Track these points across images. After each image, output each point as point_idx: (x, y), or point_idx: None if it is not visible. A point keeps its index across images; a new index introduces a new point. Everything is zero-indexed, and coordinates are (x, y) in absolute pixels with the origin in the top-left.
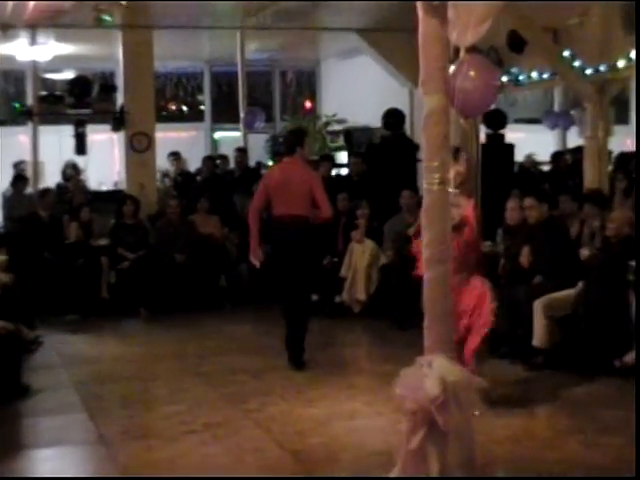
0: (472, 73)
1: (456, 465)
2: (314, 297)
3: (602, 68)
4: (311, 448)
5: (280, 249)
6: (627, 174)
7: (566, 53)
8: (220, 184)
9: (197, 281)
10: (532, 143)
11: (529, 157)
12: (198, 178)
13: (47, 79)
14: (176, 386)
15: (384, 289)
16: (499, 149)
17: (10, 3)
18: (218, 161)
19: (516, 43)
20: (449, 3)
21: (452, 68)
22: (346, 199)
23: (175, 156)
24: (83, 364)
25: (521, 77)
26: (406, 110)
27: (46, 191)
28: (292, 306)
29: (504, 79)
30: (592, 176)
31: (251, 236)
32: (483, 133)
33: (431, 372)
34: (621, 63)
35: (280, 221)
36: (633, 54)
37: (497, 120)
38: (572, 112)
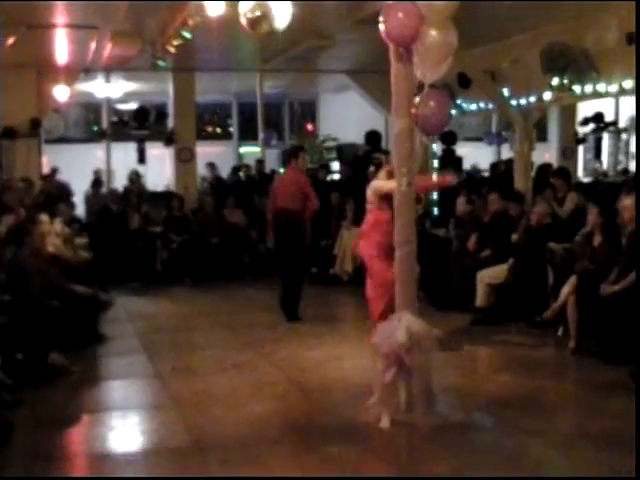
0: (432, 103)
1: (419, 394)
2: (313, 269)
3: (526, 100)
4: (311, 381)
5: (278, 233)
6: (545, 180)
7: (503, 89)
8: (244, 186)
9: (226, 258)
10: (475, 156)
11: (473, 167)
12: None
13: (117, 109)
14: (211, 335)
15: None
16: (452, 160)
17: (91, 51)
18: (241, 172)
19: (463, 81)
20: (414, 49)
21: (417, 99)
22: (337, 197)
23: (211, 165)
24: (143, 319)
25: (467, 106)
26: (382, 130)
27: (114, 191)
28: (286, 275)
29: (454, 109)
30: (520, 180)
31: (267, 224)
32: (440, 148)
33: (400, 325)
34: (546, 95)
35: (279, 212)
36: (545, 95)
37: (450, 138)
38: (504, 133)
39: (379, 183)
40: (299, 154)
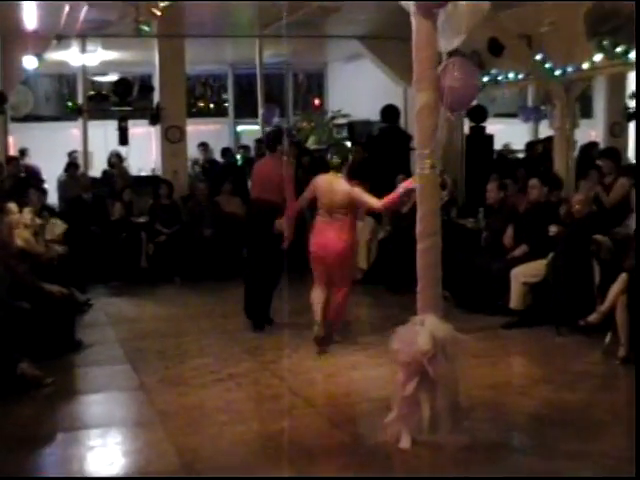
0: (458, 74)
1: (444, 409)
2: None
3: (569, 69)
4: (320, 394)
5: (251, 227)
6: (590, 162)
7: (538, 56)
8: (241, 171)
9: (222, 253)
10: (509, 134)
11: (505, 146)
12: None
13: (95, 81)
14: (204, 341)
15: (382, 259)
16: (480, 139)
17: (63, 16)
18: (238, 155)
19: (495, 48)
20: (440, 12)
21: (440, 69)
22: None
23: (204, 146)
24: (126, 323)
25: (499, 77)
26: (400, 106)
27: (82, 176)
28: (253, 274)
29: (485, 79)
30: (560, 163)
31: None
32: (467, 126)
33: (423, 329)
34: (585, 65)
35: (254, 204)
36: (596, 57)
37: (479, 114)
38: (543, 107)
39: (365, 196)
40: (283, 139)
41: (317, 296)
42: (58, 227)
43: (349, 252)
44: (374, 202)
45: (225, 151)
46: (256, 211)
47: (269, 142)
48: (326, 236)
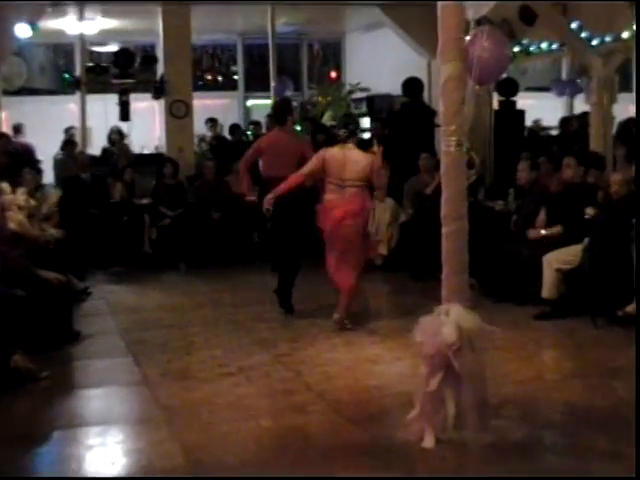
0: (487, 44)
1: (471, 405)
2: None
3: (607, 39)
4: (337, 390)
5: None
6: (628, 139)
7: (574, 25)
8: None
9: (231, 237)
10: (541, 109)
11: (536, 122)
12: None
13: (94, 52)
14: (212, 332)
15: (403, 244)
16: (511, 115)
17: None
18: (249, 131)
19: (527, 16)
20: None
21: (468, 38)
22: None
23: (212, 122)
24: (128, 312)
25: (531, 48)
26: (424, 79)
27: (80, 154)
28: (285, 259)
29: (515, 49)
30: (597, 140)
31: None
32: (496, 100)
33: (448, 320)
34: (625, 34)
35: (269, 181)
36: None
37: (509, 88)
38: (579, 80)
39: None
40: (292, 110)
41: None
42: (52, 196)
43: (365, 221)
44: (379, 185)
45: (233, 128)
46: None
47: (277, 113)
48: (340, 209)
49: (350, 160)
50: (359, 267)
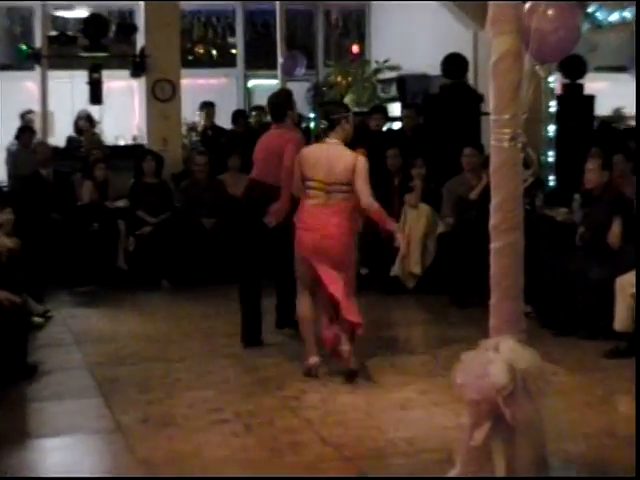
0: (551, 12)
1: (525, 464)
2: (363, 271)
3: None
4: (357, 442)
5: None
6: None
7: None
8: (253, 140)
9: (228, 249)
10: (615, 94)
11: (617, 111)
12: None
13: (58, 17)
14: (203, 368)
15: (442, 261)
16: (577, 101)
17: None
18: (251, 118)
19: None
20: None
21: (527, 6)
22: (397, 156)
23: (208, 107)
24: (98, 342)
25: (604, 17)
26: (469, 55)
27: (40, 145)
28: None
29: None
30: None
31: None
32: (559, 83)
33: (498, 357)
34: None
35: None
36: None
37: (575, 68)
38: None
39: (364, 178)
40: (293, 103)
41: (305, 309)
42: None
43: (350, 243)
44: (366, 193)
45: (237, 116)
46: (254, 196)
47: (273, 108)
48: (319, 222)
49: (334, 158)
50: (353, 286)
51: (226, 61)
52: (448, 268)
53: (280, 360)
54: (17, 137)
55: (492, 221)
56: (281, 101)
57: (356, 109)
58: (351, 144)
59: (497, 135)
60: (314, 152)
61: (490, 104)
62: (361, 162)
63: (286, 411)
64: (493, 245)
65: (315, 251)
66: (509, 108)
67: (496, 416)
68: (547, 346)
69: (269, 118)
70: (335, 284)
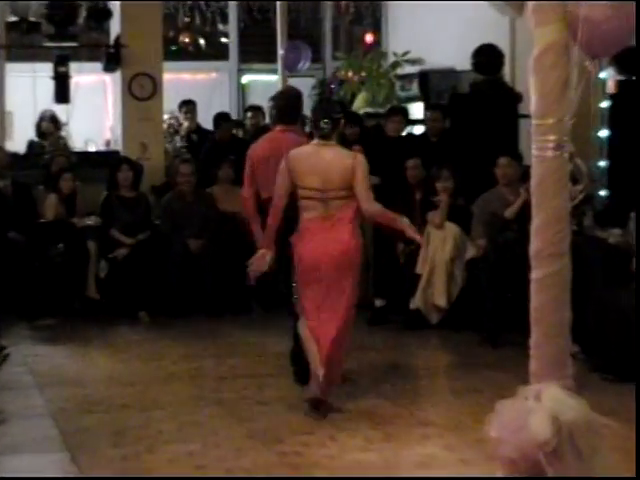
0: None
1: None
2: (378, 302)
3: None
4: None
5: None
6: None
7: None
8: (242, 147)
9: (217, 276)
10: None
11: None
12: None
13: (18, 1)
14: (188, 418)
15: (471, 291)
16: (634, 101)
17: None
18: (247, 120)
19: None
20: None
21: None
22: (419, 166)
23: (189, 106)
24: (63, 386)
25: None
26: (505, 47)
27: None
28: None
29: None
30: None
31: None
32: (612, 80)
33: (539, 407)
34: None
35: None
36: None
37: (631, 62)
38: None
39: (364, 178)
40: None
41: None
42: None
43: (353, 261)
44: (366, 197)
45: (220, 120)
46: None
47: (285, 109)
48: (320, 239)
49: (330, 161)
50: (349, 312)
51: (216, 52)
52: (479, 300)
53: (279, 408)
54: None
55: (533, 245)
56: (293, 102)
57: (370, 110)
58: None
59: (539, 143)
60: (306, 157)
61: (531, 105)
62: (360, 161)
63: (285, 469)
64: (534, 274)
65: (314, 269)
66: (554, 111)
67: (537, 476)
68: (598, 394)
69: (267, 121)
70: (328, 323)
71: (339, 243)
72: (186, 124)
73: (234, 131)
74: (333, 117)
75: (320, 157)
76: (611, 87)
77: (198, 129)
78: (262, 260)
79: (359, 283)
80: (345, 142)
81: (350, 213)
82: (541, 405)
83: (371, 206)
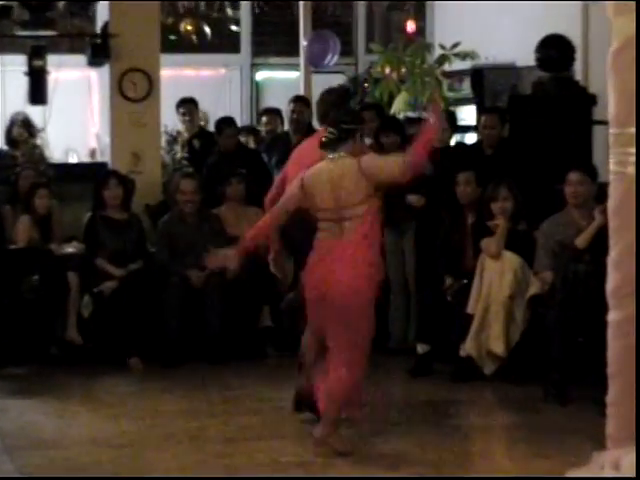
0: None
1: None
2: (421, 348)
3: None
4: None
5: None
6: None
7: None
8: (252, 159)
9: (224, 315)
10: None
11: None
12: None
13: None
14: None
15: (535, 335)
16: None
17: None
18: (262, 126)
19: None
20: None
21: None
22: (472, 182)
23: (188, 106)
24: (37, 449)
25: None
26: (577, 40)
27: None
28: None
29: None
30: None
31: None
32: None
33: (618, 478)
34: None
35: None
36: None
37: None
38: None
39: (379, 161)
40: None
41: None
42: None
43: (368, 292)
44: (393, 165)
45: (221, 126)
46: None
47: (324, 109)
48: (331, 263)
49: (338, 177)
50: (363, 359)
51: (225, 44)
52: (544, 346)
53: (297, 474)
54: None
55: (610, 281)
56: (330, 102)
57: (411, 114)
58: None
59: (619, 156)
60: (318, 175)
61: (609, 110)
62: (365, 159)
63: None
64: (611, 315)
65: (320, 298)
66: (635, 118)
67: None
68: None
69: (286, 127)
70: (339, 368)
71: (354, 270)
72: (185, 128)
73: (243, 139)
74: (342, 127)
75: (329, 175)
76: None
77: (201, 133)
78: (228, 259)
79: (397, 323)
80: (383, 153)
81: (365, 227)
82: (620, 474)
83: (402, 166)
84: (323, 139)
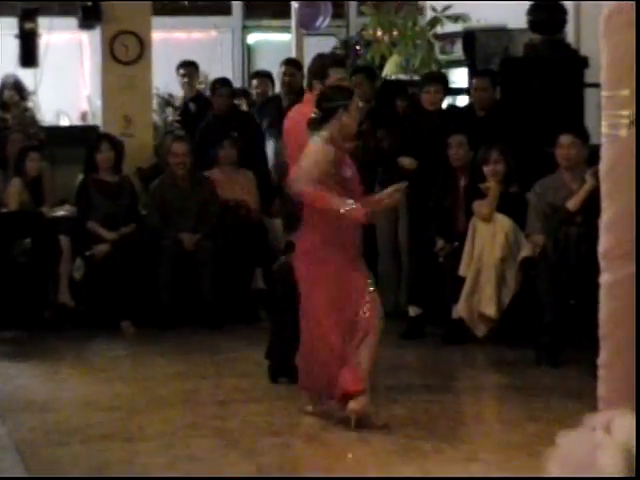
0: None
1: None
2: (413, 311)
3: None
4: None
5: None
6: None
7: None
8: (246, 121)
9: (217, 278)
10: None
11: None
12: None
13: None
14: (181, 451)
15: (526, 298)
16: None
17: None
18: (253, 89)
19: None
20: None
21: None
22: (464, 145)
23: (189, 69)
24: (30, 412)
25: None
26: (568, 2)
27: None
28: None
29: None
30: None
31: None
32: None
33: (609, 440)
34: None
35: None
36: None
37: None
38: None
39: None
40: (329, 72)
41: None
42: None
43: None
44: (296, 169)
45: (215, 86)
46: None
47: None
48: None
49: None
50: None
51: (216, 6)
52: (535, 309)
53: (294, 440)
54: None
55: (602, 243)
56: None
57: (403, 77)
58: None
59: (611, 118)
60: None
61: (601, 73)
62: (310, 146)
63: None
64: (603, 278)
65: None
66: (628, 79)
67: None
68: None
69: (277, 90)
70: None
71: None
72: (183, 91)
73: (236, 102)
74: (324, 106)
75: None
76: None
77: (198, 97)
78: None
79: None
80: (395, 120)
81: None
82: (611, 438)
83: (300, 186)
84: (313, 118)
